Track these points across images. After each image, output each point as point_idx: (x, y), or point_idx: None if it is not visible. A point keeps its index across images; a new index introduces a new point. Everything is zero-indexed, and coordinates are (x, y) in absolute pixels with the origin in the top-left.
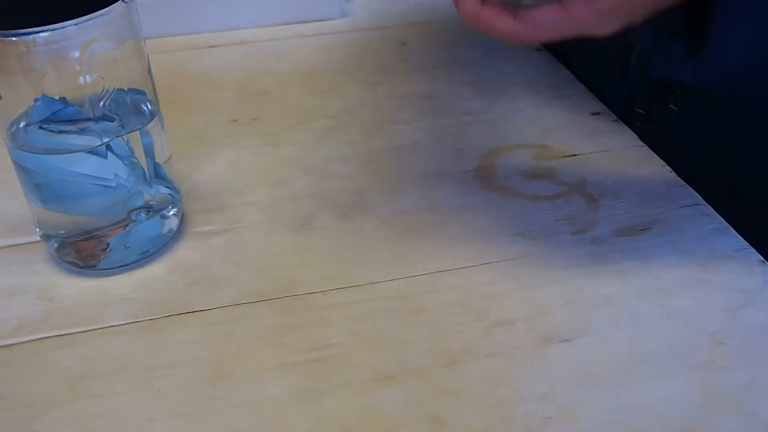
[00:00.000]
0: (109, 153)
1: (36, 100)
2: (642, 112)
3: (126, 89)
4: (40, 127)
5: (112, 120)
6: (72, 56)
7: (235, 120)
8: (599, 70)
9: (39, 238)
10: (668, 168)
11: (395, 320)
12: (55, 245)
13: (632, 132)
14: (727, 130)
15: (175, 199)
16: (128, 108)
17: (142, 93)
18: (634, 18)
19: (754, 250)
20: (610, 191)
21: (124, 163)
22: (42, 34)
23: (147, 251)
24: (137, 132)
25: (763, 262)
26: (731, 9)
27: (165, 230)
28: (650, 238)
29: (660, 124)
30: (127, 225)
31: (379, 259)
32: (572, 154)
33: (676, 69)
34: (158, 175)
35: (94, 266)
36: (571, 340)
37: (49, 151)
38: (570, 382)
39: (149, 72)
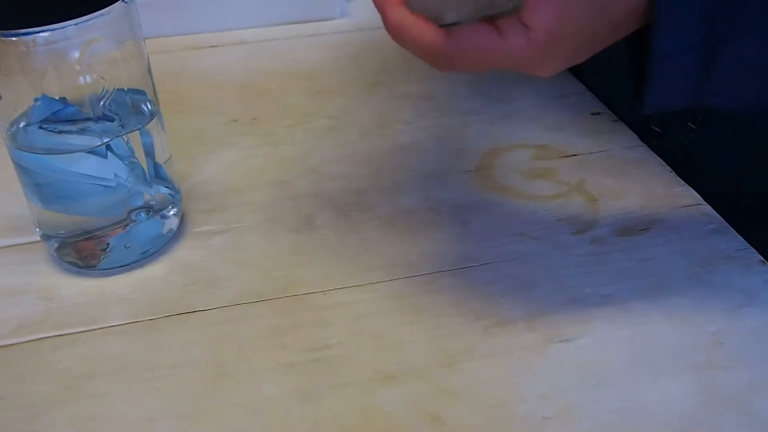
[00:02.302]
0: (109, 153)
1: (36, 100)
2: (658, 130)
3: (126, 89)
4: (40, 127)
5: (112, 120)
6: (72, 56)
7: (235, 120)
8: (614, 86)
9: (39, 238)
10: (668, 168)
11: (395, 320)
12: (55, 245)
13: (632, 132)
14: (752, 151)
15: (175, 199)
16: (128, 108)
17: (142, 93)
18: (576, 58)
19: (754, 250)
20: (610, 191)
21: (124, 163)
22: (42, 34)
23: (147, 251)
24: (137, 132)
25: (763, 262)
26: (667, 54)
27: (165, 230)
28: (650, 238)
29: (677, 143)
30: (127, 225)
31: (379, 259)
32: (572, 154)
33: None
34: (158, 175)
35: (94, 266)
36: (571, 340)
37: (49, 151)
38: (570, 382)
39: (149, 72)
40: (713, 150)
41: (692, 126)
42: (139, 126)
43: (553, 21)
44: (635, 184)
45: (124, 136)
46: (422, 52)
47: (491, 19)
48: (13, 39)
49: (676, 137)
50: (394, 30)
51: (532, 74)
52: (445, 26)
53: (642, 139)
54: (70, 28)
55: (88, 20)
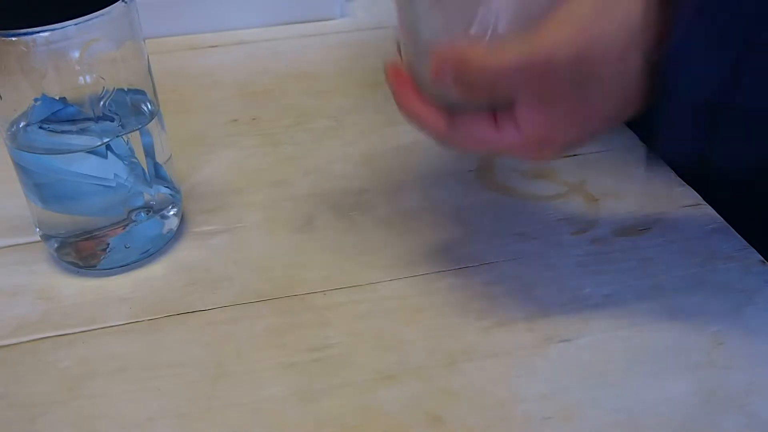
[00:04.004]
0: (109, 153)
1: (36, 100)
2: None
3: (126, 89)
4: (40, 127)
5: (112, 120)
6: (72, 56)
7: (235, 120)
8: None
9: (39, 238)
10: (668, 168)
11: (395, 320)
12: (55, 245)
13: (632, 132)
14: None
15: (175, 199)
16: (128, 108)
17: (142, 93)
18: (570, 147)
19: (754, 250)
20: (610, 191)
21: (124, 163)
22: (42, 34)
23: (147, 251)
24: (137, 132)
25: (763, 262)
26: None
27: (165, 230)
28: (650, 238)
29: (692, 151)
30: (127, 225)
31: (379, 259)
32: (572, 154)
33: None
34: (158, 175)
35: (94, 266)
36: (571, 340)
37: (49, 151)
38: (570, 382)
39: (149, 72)
40: (729, 159)
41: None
42: (139, 126)
43: (542, 129)
44: (635, 184)
45: (124, 136)
46: (427, 131)
47: (495, 106)
48: (13, 39)
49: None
50: (404, 108)
51: (527, 160)
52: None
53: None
54: (70, 28)
55: (88, 20)
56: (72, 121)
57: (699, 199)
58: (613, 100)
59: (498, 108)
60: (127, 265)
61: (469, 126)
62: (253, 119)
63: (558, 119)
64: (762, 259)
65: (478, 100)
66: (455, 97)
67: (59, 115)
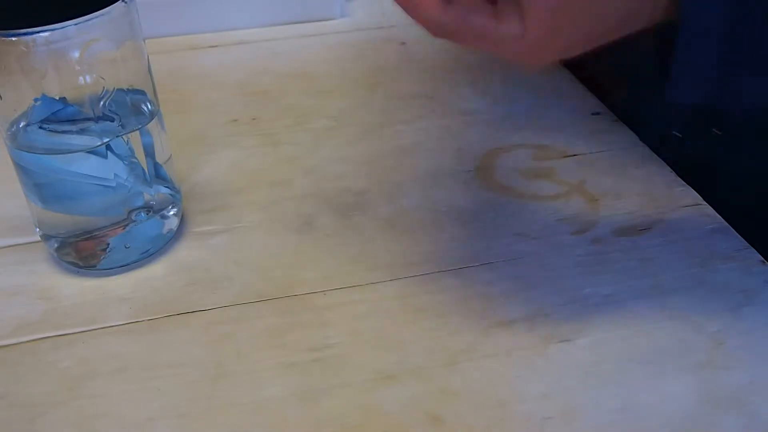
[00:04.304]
0: (109, 153)
1: (36, 100)
2: (679, 135)
3: (126, 89)
4: (40, 127)
5: (112, 120)
6: (72, 56)
7: (235, 120)
8: (614, 86)
9: (39, 238)
10: (668, 168)
11: (395, 320)
12: (55, 245)
13: (632, 132)
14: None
15: (175, 199)
16: (128, 108)
17: (142, 93)
18: (571, 49)
19: (754, 250)
20: (610, 191)
21: (124, 163)
22: (42, 34)
23: (147, 251)
24: (137, 132)
25: (763, 262)
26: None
27: (165, 230)
28: (650, 238)
29: (699, 149)
30: (127, 225)
31: (379, 259)
32: (572, 154)
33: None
34: (158, 175)
35: (94, 266)
36: (571, 340)
37: (49, 151)
38: (570, 382)
39: (149, 72)
40: (738, 160)
41: (718, 132)
42: (139, 126)
43: (551, 18)
44: (635, 184)
45: (124, 136)
46: (418, 16)
47: None
48: (13, 39)
49: (697, 144)
50: None
51: (521, 63)
52: None
53: (656, 148)
54: (70, 28)
55: (88, 20)
56: (72, 121)
57: (699, 199)
58: None
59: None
60: (127, 265)
61: (465, 13)
62: (253, 119)
63: (572, 5)
64: (762, 259)
65: None
66: None
67: (59, 115)
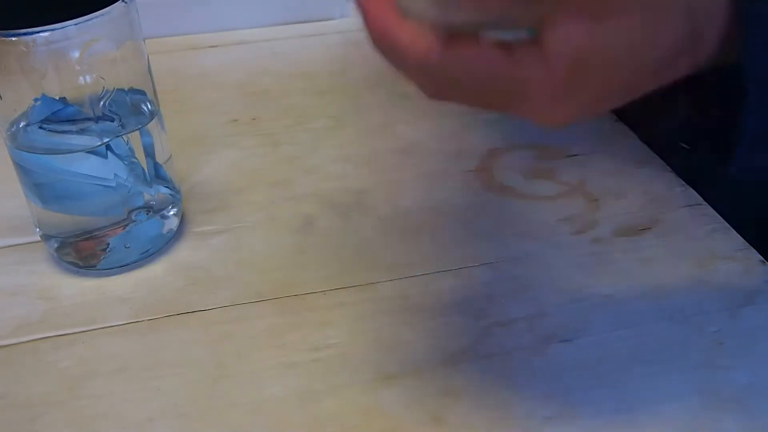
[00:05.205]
0: (109, 153)
1: (36, 100)
2: (686, 147)
3: (126, 89)
4: (40, 127)
5: (112, 120)
6: (72, 56)
7: (235, 120)
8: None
9: (39, 238)
10: (668, 168)
11: (395, 320)
12: (55, 245)
13: (632, 132)
14: None
15: (175, 199)
16: (128, 108)
17: (142, 93)
18: (598, 102)
19: (754, 250)
20: (610, 191)
21: (124, 163)
22: (42, 34)
23: (147, 251)
24: (137, 132)
25: (763, 262)
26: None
27: (165, 230)
28: (650, 238)
29: (707, 162)
30: (127, 225)
31: (379, 259)
32: (572, 154)
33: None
34: (158, 175)
35: (94, 266)
36: (571, 340)
37: (49, 151)
38: (570, 382)
39: (149, 72)
40: (751, 177)
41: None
42: (139, 126)
43: (582, 44)
44: (635, 184)
45: (124, 136)
46: (410, 64)
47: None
48: (13, 39)
49: (706, 157)
50: (378, 33)
51: (540, 120)
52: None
53: (662, 155)
54: (70, 28)
55: (88, 20)
56: (72, 121)
57: (699, 199)
58: (690, 20)
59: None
60: (127, 265)
61: (471, 51)
62: (253, 119)
63: (610, 41)
64: (762, 259)
65: (489, 15)
66: (454, 17)
67: (59, 115)
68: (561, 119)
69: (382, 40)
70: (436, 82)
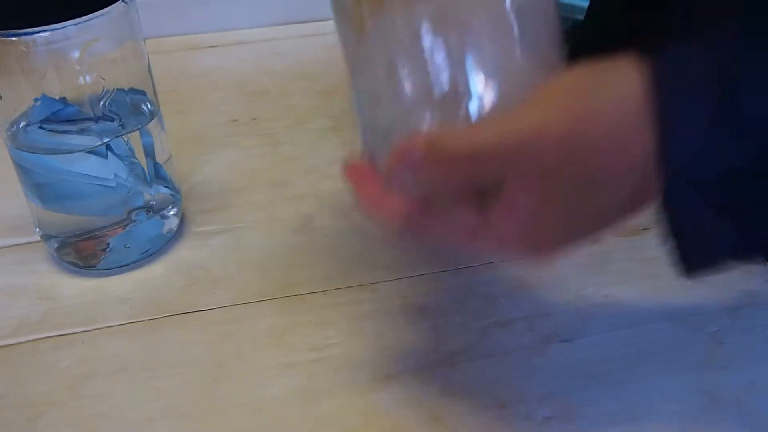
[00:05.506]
0: (109, 153)
1: (36, 100)
2: None
3: (126, 89)
4: (40, 127)
5: (112, 120)
6: (72, 56)
7: (235, 120)
8: None
9: (39, 238)
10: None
11: (395, 320)
12: (55, 245)
13: None
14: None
15: (175, 199)
16: (128, 108)
17: (142, 93)
18: (575, 240)
19: None
20: None
21: (124, 163)
22: (42, 34)
23: (147, 251)
24: (137, 132)
25: (764, 262)
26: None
27: (165, 230)
28: (650, 238)
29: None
30: (127, 225)
31: (379, 259)
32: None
33: None
34: (158, 175)
35: (94, 266)
36: (571, 340)
37: (49, 151)
38: (570, 382)
39: (149, 72)
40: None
41: None
42: (139, 126)
43: (540, 208)
44: None
45: (124, 136)
46: (398, 225)
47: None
48: (13, 39)
49: None
50: (367, 201)
51: (518, 258)
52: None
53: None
54: (70, 28)
55: (88, 20)
56: (72, 121)
57: None
58: (622, 182)
59: (478, 195)
60: (127, 265)
61: (447, 211)
62: (253, 119)
63: (558, 199)
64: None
65: (455, 187)
66: (424, 186)
67: (59, 115)
68: (539, 256)
69: (369, 202)
70: (422, 232)
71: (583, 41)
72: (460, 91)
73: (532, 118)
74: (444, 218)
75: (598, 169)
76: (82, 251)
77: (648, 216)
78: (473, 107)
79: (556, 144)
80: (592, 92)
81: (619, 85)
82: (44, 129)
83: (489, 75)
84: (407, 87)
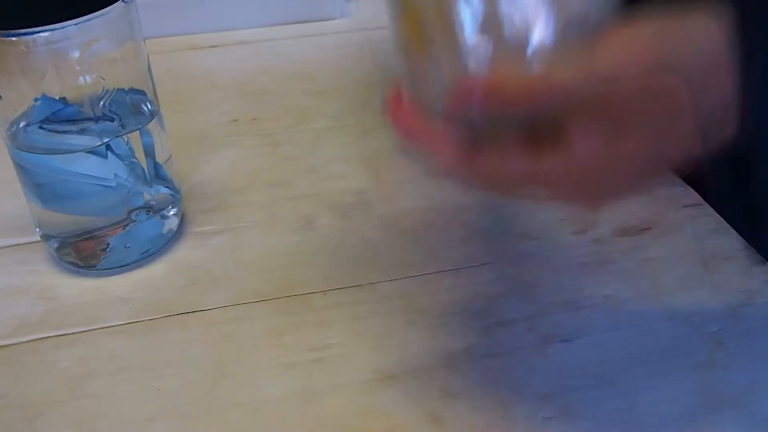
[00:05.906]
0: (109, 153)
1: (36, 100)
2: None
3: (126, 89)
4: (40, 127)
5: (112, 120)
6: (72, 56)
7: (235, 120)
8: None
9: (39, 238)
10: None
11: (395, 320)
12: (55, 245)
13: None
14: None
15: (175, 199)
16: (128, 108)
17: (142, 93)
18: (632, 186)
19: (754, 250)
20: None
21: (124, 163)
22: (42, 34)
23: (147, 251)
24: (137, 132)
25: (763, 262)
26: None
27: (165, 230)
28: (650, 238)
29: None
30: (127, 225)
31: (379, 259)
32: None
33: None
34: (158, 175)
35: (94, 266)
36: (571, 340)
37: (49, 151)
38: (570, 382)
39: (149, 72)
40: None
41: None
42: (139, 126)
43: (601, 153)
44: None
45: (124, 136)
46: (444, 164)
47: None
48: (13, 39)
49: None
50: (411, 138)
51: (571, 206)
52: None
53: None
54: (70, 28)
55: (88, 20)
56: (72, 121)
57: (699, 199)
58: (691, 125)
59: (534, 141)
60: (127, 265)
61: (499, 150)
62: (253, 119)
63: (623, 143)
64: (762, 259)
65: (512, 122)
66: (483, 126)
67: (59, 115)
68: (590, 205)
69: (414, 138)
70: (468, 173)
71: None
72: (524, 31)
73: (614, 54)
74: (495, 160)
75: (675, 108)
76: (82, 251)
77: (648, 216)
78: (540, 46)
79: (639, 79)
80: (673, 34)
81: (700, 30)
82: (44, 129)
83: (552, 15)
84: (467, 28)
